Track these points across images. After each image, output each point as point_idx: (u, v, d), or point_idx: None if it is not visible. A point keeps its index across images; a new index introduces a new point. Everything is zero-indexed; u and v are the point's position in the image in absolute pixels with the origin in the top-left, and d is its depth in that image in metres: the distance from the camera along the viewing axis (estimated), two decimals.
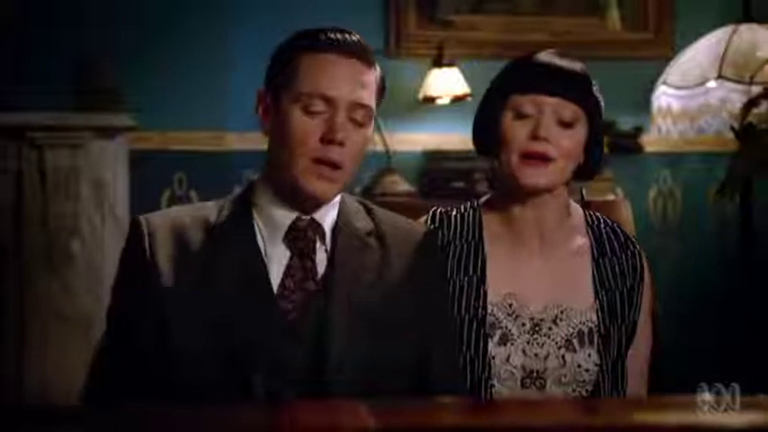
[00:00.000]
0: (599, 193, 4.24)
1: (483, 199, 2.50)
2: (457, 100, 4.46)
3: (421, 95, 4.52)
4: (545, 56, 2.41)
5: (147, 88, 4.30)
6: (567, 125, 2.35)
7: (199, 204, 2.36)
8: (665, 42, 4.78)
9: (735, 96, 4.07)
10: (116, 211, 4.09)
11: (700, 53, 4.20)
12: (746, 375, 2.82)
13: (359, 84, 2.19)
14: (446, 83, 4.45)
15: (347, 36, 2.22)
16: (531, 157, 2.34)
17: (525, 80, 2.38)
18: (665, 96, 4.28)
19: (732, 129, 4.20)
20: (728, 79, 4.06)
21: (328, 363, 2.16)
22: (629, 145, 4.57)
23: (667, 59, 4.59)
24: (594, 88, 2.41)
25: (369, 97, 2.21)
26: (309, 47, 2.19)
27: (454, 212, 2.47)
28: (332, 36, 2.20)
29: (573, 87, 2.37)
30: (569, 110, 2.36)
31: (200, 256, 2.18)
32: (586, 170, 2.43)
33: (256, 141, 4.48)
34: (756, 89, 4.01)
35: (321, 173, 2.16)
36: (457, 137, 4.61)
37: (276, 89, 2.21)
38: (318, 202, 2.22)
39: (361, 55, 2.21)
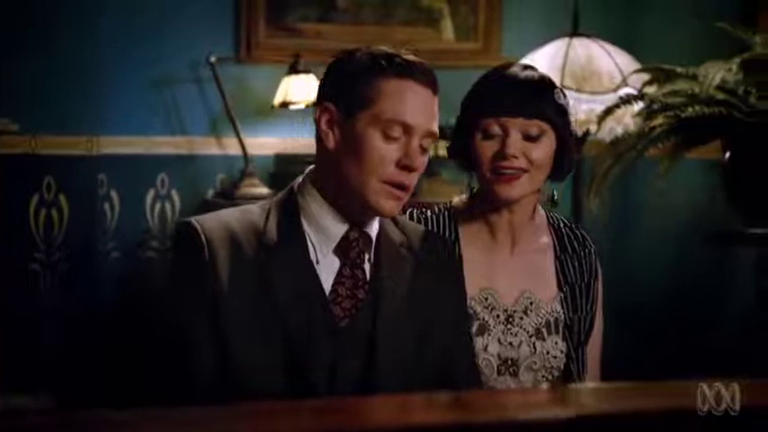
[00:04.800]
0: (442, 195, 4.45)
1: (454, 201, 2.65)
2: (314, 105, 4.60)
3: (277, 101, 4.62)
4: (509, 73, 2.53)
5: (15, 92, 4.23)
6: (533, 139, 2.49)
7: (242, 208, 2.34)
8: (493, 52, 5.05)
9: (575, 105, 4.37)
10: None
11: (540, 65, 4.47)
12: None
13: (431, 113, 2.26)
14: (304, 89, 4.58)
15: (422, 63, 2.26)
16: (504, 173, 2.49)
17: (490, 102, 2.50)
18: None
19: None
20: (569, 89, 4.35)
21: (379, 366, 2.25)
22: None
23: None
24: (557, 97, 2.53)
25: (436, 126, 2.28)
26: (391, 71, 2.23)
27: (429, 213, 2.61)
28: (410, 61, 2.24)
29: (535, 105, 2.50)
30: (534, 126, 2.49)
31: (254, 262, 2.21)
32: (557, 173, 2.58)
33: (124, 145, 4.56)
34: (589, 98, 4.33)
35: (392, 193, 2.22)
36: (308, 140, 4.75)
37: (349, 107, 2.24)
38: (382, 218, 2.32)
39: (434, 84, 2.27)
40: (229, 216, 2.28)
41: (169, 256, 2.38)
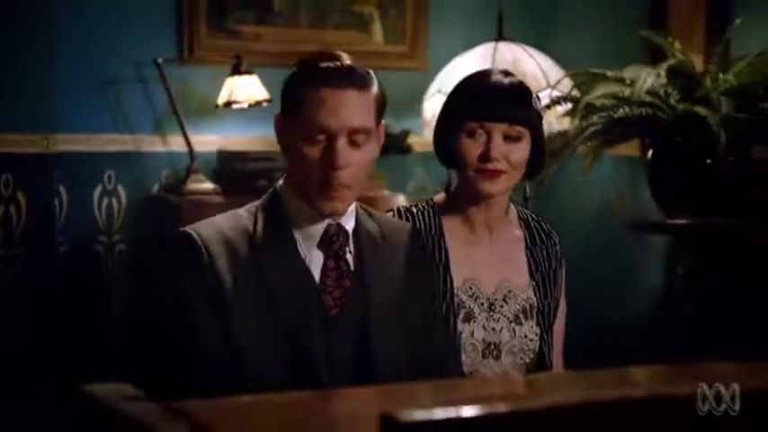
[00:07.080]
0: (372, 189, 4.69)
1: (436, 198, 2.81)
2: (256, 104, 4.79)
3: (221, 101, 4.77)
4: (494, 80, 2.70)
5: None
6: (514, 140, 2.67)
7: (232, 214, 2.43)
8: (419, 56, 5.29)
9: None
10: None
11: (470, 66, 4.70)
12: None
13: (355, 110, 2.33)
14: (247, 89, 4.74)
15: (342, 67, 2.34)
16: (486, 171, 2.67)
17: (477, 106, 2.66)
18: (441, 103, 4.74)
19: None
20: None
21: (372, 352, 2.39)
22: (399, 146, 5.01)
23: (421, 70, 5.11)
24: (534, 102, 2.72)
25: (367, 119, 2.36)
26: (308, 81, 2.34)
27: (414, 210, 2.76)
28: (332, 69, 2.33)
29: (517, 110, 2.67)
30: (515, 130, 2.66)
31: (250, 263, 2.33)
32: (530, 172, 2.76)
33: (75, 143, 4.65)
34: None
35: (328, 194, 2.34)
36: (249, 138, 4.96)
37: (286, 113, 2.38)
38: (357, 211, 2.45)
39: (357, 83, 2.34)
40: (222, 222, 2.39)
41: (165, 265, 2.47)
